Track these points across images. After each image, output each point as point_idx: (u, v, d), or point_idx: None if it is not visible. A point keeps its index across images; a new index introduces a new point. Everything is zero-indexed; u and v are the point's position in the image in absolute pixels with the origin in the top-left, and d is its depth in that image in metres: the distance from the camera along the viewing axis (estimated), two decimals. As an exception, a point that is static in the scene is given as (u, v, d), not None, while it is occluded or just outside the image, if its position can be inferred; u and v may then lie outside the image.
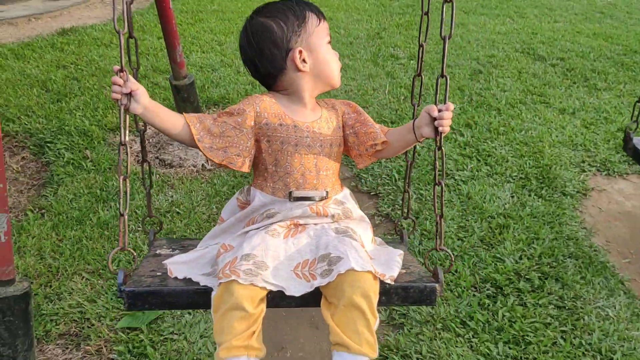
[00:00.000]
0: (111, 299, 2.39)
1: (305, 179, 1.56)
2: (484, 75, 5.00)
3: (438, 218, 1.50)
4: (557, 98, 4.55)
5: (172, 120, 1.54)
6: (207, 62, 5.15)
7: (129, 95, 1.44)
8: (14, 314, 1.81)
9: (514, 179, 3.41)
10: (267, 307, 1.38)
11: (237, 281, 1.30)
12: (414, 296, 1.50)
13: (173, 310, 2.34)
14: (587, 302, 2.46)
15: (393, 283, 1.44)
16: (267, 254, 1.42)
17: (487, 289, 2.51)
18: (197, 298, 1.45)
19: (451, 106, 1.47)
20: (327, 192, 1.58)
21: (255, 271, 1.35)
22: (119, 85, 1.42)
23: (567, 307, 2.42)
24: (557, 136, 3.93)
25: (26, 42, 5.55)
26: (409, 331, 2.28)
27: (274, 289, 1.36)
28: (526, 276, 2.59)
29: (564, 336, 2.27)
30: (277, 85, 1.61)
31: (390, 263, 1.51)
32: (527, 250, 2.77)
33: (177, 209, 3.04)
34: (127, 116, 1.45)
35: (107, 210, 3.00)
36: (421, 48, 1.70)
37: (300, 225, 1.54)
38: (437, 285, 1.49)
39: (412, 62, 5.30)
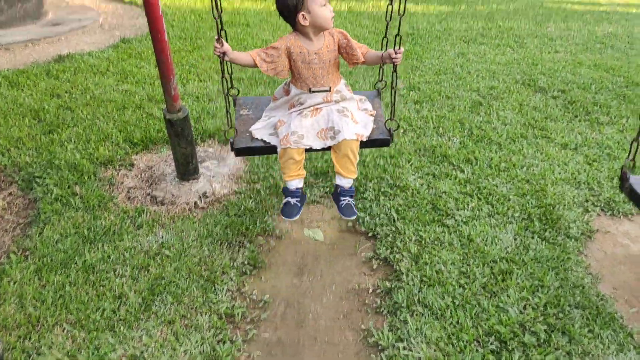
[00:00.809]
0: (92, 353, 2.27)
1: (316, 80, 2.72)
2: (484, 108, 4.92)
3: (392, 92, 2.67)
4: (558, 132, 4.46)
5: (246, 60, 2.65)
6: (203, 92, 5.06)
7: (224, 53, 2.54)
8: (-17, 380, 1.70)
9: (516, 220, 3.30)
10: (305, 152, 2.72)
11: (290, 147, 2.63)
12: (378, 144, 2.78)
13: None
14: (596, 358, 2.33)
15: (366, 139, 2.72)
16: (303, 129, 2.66)
17: (491, 344, 2.39)
18: (269, 149, 2.75)
19: (402, 50, 2.58)
20: (330, 87, 2.74)
21: (298, 140, 2.64)
22: (218, 48, 2.53)
23: (574, 365, 2.30)
24: (559, 173, 3.83)
25: (21, 69, 5.47)
26: (408, 391, 2.15)
27: (308, 147, 2.67)
28: (531, 329, 2.47)
29: (572, 398, 2.14)
30: (295, 27, 2.66)
31: (367, 125, 2.80)
32: (532, 299, 2.65)
33: (167, 251, 2.92)
34: (224, 61, 2.58)
35: (94, 252, 2.88)
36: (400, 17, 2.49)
37: (318, 109, 2.74)
38: (390, 138, 2.77)
39: (411, 92, 5.22)
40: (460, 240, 3.09)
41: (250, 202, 3.41)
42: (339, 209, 2.83)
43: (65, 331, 2.37)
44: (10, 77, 5.23)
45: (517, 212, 3.37)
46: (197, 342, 2.35)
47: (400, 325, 2.51)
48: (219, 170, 3.74)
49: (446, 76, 5.76)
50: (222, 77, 2.61)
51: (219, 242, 3.04)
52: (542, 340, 2.41)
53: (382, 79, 3.08)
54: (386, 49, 2.71)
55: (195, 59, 6.04)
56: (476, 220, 3.27)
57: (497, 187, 3.63)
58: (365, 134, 2.72)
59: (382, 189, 3.55)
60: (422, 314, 2.55)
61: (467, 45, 7.02)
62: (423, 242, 3.07)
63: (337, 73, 2.81)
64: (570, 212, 3.39)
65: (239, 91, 3.08)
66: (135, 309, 2.51)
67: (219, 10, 2.46)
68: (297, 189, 2.79)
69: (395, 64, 2.59)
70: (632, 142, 2.55)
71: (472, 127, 4.50)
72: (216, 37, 2.49)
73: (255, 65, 2.65)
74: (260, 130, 2.84)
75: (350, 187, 2.82)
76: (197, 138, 4.15)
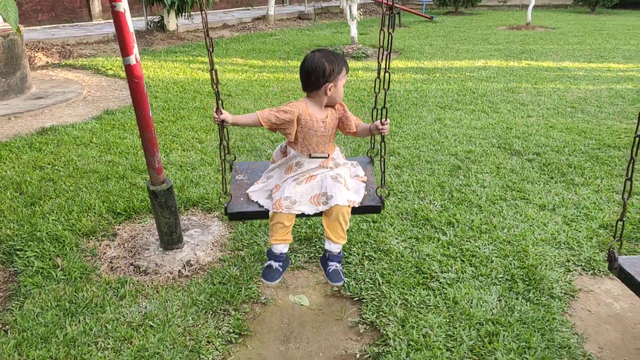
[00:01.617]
0: None
1: (318, 147, 2.85)
2: (463, 171, 5.04)
3: (381, 161, 2.85)
4: (536, 194, 4.58)
5: (250, 122, 2.78)
6: (187, 161, 5.13)
7: (222, 121, 2.73)
8: None
9: (500, 281, 3.33)
10: (296, 218, 2.79)
11: (281, 212, 2.71)
12: (369, 210, 2.89)
13: None
14: (587, 420, 2.31)
15: (358, 205, 2.82)
16: (296, 195, 2.74)
17: (481, 408, 2.36)
18: (262, 215, 2.82)
19: (388, 121, 2.81)
20: (328, 154, 2.88)
21: (290, 206, 2.72)
22: (216, 118, 2.72)
23: None
24: (539, 234, 3.90)
25: (3, 142, 5.51)
26: None
27: (299, 213, 2.74)
28: (520, 392, 2.45)
29: None
30: (311, 94, 2.83)
31: (359, 192, 2.92)
32: (519, 362, 2.64)
33: (151, 322, 2.88)
34: (222, 129, 2.79)
35: (75, 325, 2.83)
36: (390, 36, 2.61)
37: (313, 175, 2.84)
38: (380, 205, 2.87)
39: (392, 157, 5.34)
40: (445, 303, 3.10)
41: (235, 269, 3.40)
42: (326, 275, 2.87)
43: (44, 409, 2.29)
44: (-7, 150, 5.25)
45: (500, 273, 3.41)
46: (181, 416, 2.29)
47: (389, 391, 2.47)
48: (202, 239, 3.75)
49: (425, 141, 5.92)
50: (220, 144, 2.76)
51: (204, 310, 3.01)
52: (532, 404, 2.38)
53: (373, 146, 3.25)
54: (374, 120, 2.91)
55: (178, 129, 6.14)
56: (460, 283, 3.29)
57: (479, 248, 3.67)
58: (357, 201, 2.82)
59: (366, 253, 3.58)
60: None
61: (444, 111, 7.25)
62: (409, 305, 3.07)
63: (333, 141, 2.97)
64: (552, 272, 3.43)
65: (235, 157, 3.14)
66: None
67: (216, 82, 2.72)
68: (281, 253, 2.84)
69: (383, 134, 2.77)
70: (617, 222, 2.58)
71: (452, 190, 4.59)
72: (215, 107, 2.73)
73: (260, 124, 2.74)
74: (257, 193, 2.93)
75: (339, 253, 2.87)
76: (180, 207, 4.17)
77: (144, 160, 5.04)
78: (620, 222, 2.53)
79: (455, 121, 6.78)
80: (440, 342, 2.77)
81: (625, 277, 2.51)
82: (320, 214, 2.78)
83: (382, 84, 2.79)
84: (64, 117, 6.69)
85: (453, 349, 2.73)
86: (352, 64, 10.76)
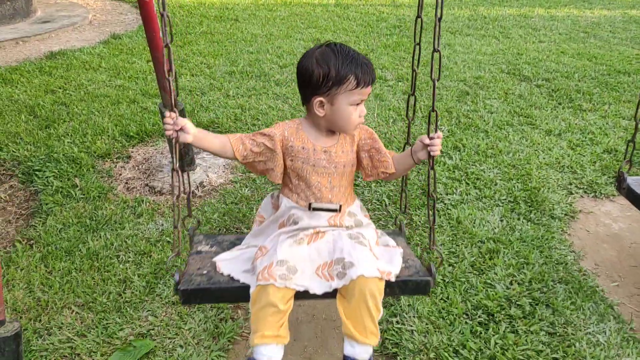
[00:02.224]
0: (101, 332, 2.37)
1: (321, 193, 1.95)
2: (471, 97, 5.06)
3: (431, 223, 1.93)
4: (543, 119, 4.61)
5: (217, 143, 1.88)
6: (196, 86, 5.16)
7: (180, 130, 1.77)
8: (4, 355, 1.80)
9: (503, 203, 3.43)
10: (295, 300, 1.76)
11: (274, 284, 1.70)
12: (412, 288, 1.90)
13: (165, 344, 2.33)
14: (578, 328, 2.47)
15: (395, 279, 1.82)
16: (296, 259, 1.79)
17: (479, 316, 2.52)
18: (239, 293, 1.82)
19: (440, 134, 1.89)
20: (340, 205, 1.97)
21: (288, 275, 1.73)
22: (171, 124, 1.76)
23: (558, 334, 2.44)
24: (544, 158, 3.97)
25: (14, 67, 5.54)
26: (402, 361, 2.28)
27: (301, 289, 1.75)
28: (517, 302, 2.60)
29: (556, 364, 2.28)
30: (306, 108, 1.96)
31: (393, 261, 1.93)
32: (518, 276, 2.78)
33: (168, 238, 3.03)
34: (178, 145, 1.79)
35: (97, 240, 2.98)
36: (414, 72, 2.08)
37: (321, 232, 1.92)
38: (430, 278, 1.89)
39: (400, 83, 5.35)
40: (449, 223, 3.22)
41: (246, 190, 3.52)
42: None
43: (74, 313, 2.47)
44: (4, 74, 5.29)
45: (503, 195, 3.51)
46: (200, 320, 2.46)
47: (393, 301, 2.63)
48: (214, 161, 3.85)
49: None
50: (173, 170, 1.82)
51: (217, 228, 3.15)
52: (527, 313, 2.54)
53: (405, 209, 2.33)
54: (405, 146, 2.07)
55: (186, 54, 6.12)
56: (464, 204, 3.40)
57: (484, 172, 3.76)
58: (393, 272, 1.85)
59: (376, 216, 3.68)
60: (409, 243, 2.68)
61: (454, 37, 7.15)
62: (414, 224, 3.20)
63: (352, 188, 2.07)
64: (554, 194, 3.53)
65: (199, 222, 2.31)
66: (139, 291, 2.62)
67: (171, 66, 1.81)
68: None
69: (433, 154, 1.89)
70: (628, 144, 2.65)
71: (460, 116, 4.63)
72: (168, 110, 1.79)
73: (233, 155, 1.89)
74: (229, 263, 1.95)
75: (370, 358, 1.81)
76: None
77: (153, 85, 5.08)
78: (631, 144, 2.60)
79: (465, 47, 6.70)
80: (443, 258, 2.91)
81: (633, 197, 2.61)
82: (334, 293, 1.79)
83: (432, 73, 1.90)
84: (71, 41, 6.67)
85: (455, 265, 2.87)
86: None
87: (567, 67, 5.93)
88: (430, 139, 1.88)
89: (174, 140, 1.77)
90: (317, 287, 1.77)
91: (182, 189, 2.04)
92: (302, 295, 1.76)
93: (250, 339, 1.74)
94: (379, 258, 1.90)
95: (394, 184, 3.57)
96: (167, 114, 1.76)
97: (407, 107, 2.10)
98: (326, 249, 1.87)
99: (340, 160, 1.95)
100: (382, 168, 2.00)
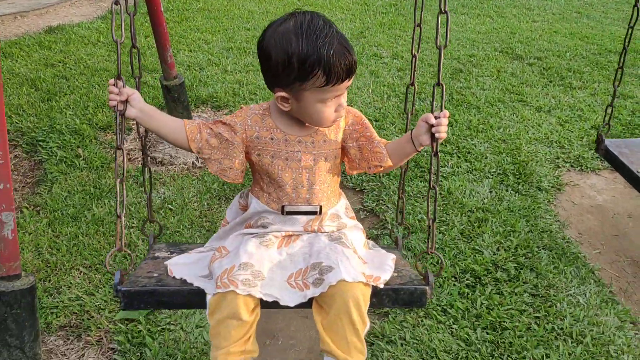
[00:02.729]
0: (109, 291, 2.50)
1: (297, 193, 1.60)
2: (464, 74, 5.16)
3: (430, 222, 1.58)
4: (534, 97, 4.73)
5: (169, 125, 1.60)
6: (194, 61, 5.24)
7: (125, 101, 1.52)
8: (20, 307, 1.92)
9: (493, 175, 3.56)
10: (262, 308, 1.48)
11: (235, 291, 1.39)
12: (405, 298, 1.57)
13: (169, 302, 2.45)
14: (560, 290, 2.62)
15: (384, 286, 1.52)
16: (263, 264, 1.49)
17: (467, 279, 2.66)
18: (192, 298, 1.54)
19: (447, 113, 1.54)
20: (320, 207, 1.62)
21: (253, 281, 1.43)
22: (115, 93, 1.50)
23: (540, 295, 2.59)
24: (533, 134, 4.10)
25: (13, 41, 5.58)
26: (394, 319, 2.42)
27: (270, 299, 1.44)
28: (503, 267, 2.74)
29: (538, 322, 2.43)
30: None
31: (384, 266, 1.58)
32: (504, 243, 2.92)
33: (170, 206, 3.14)
34: (124, 120, 1.53)
35: (102, 207, 3.10)
36: (414, 58, 1.79)
37: (293, 235, 1.62)
38: (427, 287, 1.56)
39: (394, 61, 5.44)
40: (440, 193, 3.35)
41: (245, 161, 3.62)
42: None
43: (82, 274, 2.60)
44: (3, 48, 5.34)
45: (493, 168, 3.64)
46: (203, 281, 2.60)
47: (386, 265, 2.77)
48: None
49: (428, 45, 5.96)
50: (116, 156, 1.60)
51: (217, 197, 3.27)
52: (512, 276, 2.69)
53: (401, 220, 2.07)
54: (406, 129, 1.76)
55: (184, 30, 6.18)
56: (455, 176, 3.53)
57: (475, 146, 3.88)
58: (382, 277, 1.53)
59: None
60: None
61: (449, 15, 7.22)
62: (406, 195, 3.32)
63: (336, 185, 1.72)
64: (542, 167, 3.66)
65: (161, 228, 1.98)
66: (144, 254, 2.74)
67: (132, 30, 1.71)
68: None
69: (438, 137, 1.53)
70: (606, 108, 2.79)
71: (453, 93, 4.74)
72: (113, 78, 1.55)
73: (187, 145, 1.58)
74: (183, 267, 1.62)
75: None
76: (190, 104, 4.34)
77: (152, 60, 5.15)
78: (609, 108, 2.73)
79: (459, 25, 6.79)
80: (444, 264, 3.04)
81: (609, 157, 2.76)
82: (309, 303, 1.48)
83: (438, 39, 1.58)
84: (69, 16, 6.70)
85: (445, 232, 3.00)
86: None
87: (559, 46, 6.04)
88: (436, 118, 1.52)
89: (117, 113, 1.51)
90: (289, 299, 1.46)
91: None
92: (269, 305, 1.47)
93: (212, 357, 1.44)
94: (366, 262, 1.60)
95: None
96: (112, 81, 1.51)
97: (406, 100, 1.87)
98: (301, 253, 1.56)
99: (320, 151, 1.60)
100: (374, 161, 1.63)
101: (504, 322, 2.40)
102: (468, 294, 2.56)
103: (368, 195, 3.35)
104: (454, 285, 2.62)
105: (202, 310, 2.42)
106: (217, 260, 1.54)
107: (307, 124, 1.59)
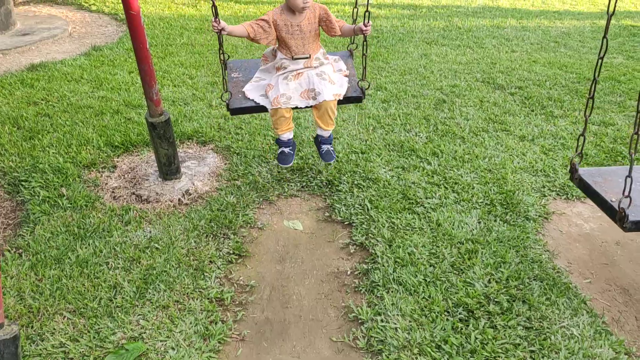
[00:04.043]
0: (94, 337, 2.42)
1: (298, 48, 3.25)
2: (447, 105, 5.21)
3: (363, 58, 3.35)
4: (517, 126, 4.78)
5: (240, 32, 3.13)
6: (179, 96, 5.23)
7: (221, 29, 3.00)
8: (3, 357, 1.85)
9: (480, 205, 3.57)
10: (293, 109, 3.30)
11: (280, 107, 3.23)
12: (352, 100, 3.44)
13: (157, 347, 2.39)
14: (553, 322, 2.60)
15: (342, 98, 3.33)
16: (289, 91, 3.23)
17: (460, 313, 2.63)
18: (260, 109, 3.31)
19: (370, 23, 3.14)
20: (310, 54, 3.27)
21: (287, 101, 3.23)
22: (215, 26, 2.97)
23: (534, 328, 2.56)
24: (518, 163, 4.13)
25: (-6, 79, 5.53)
26: (387, 357, 2.38)
27: (293, 106, 3.26)
28: (495, 299, 2.72)
29: (533, 356, 2.40)
30: None
31: (343, 85, 3.39)
32: (495, 274, 2.91)
33: (156, 245, 3.09)
34: (220, 36, 3.08)
35: (86, 247, 3.03)
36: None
37: (300, 73, 3.28)
38: (362, 96, 3.41)
39: (379, 92, 5.48)
40: (429, 225, 3.34)
41: (232, 197, 3.59)
42: (320, 155, 3.55)
43: (65, 319, 2.52)
44: (-15, 86, 5.29)
45: (480, 198, 3.64)
46: (191, 323, 2.53)
47: (378, 301, 2.74)
48: (199, 169, 3.92)
49: (411, 76, 6.04)
50: (220, 49, 3.12)
51: (205, 234, 3.22)
52: (505, 309, 2.66)
53: (353, 41, 3.61)
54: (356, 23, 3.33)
55: (168, 65, 6.18)
56: (443, 207, 3.52)
57: (461, 176, 3.90)
58: (341, 93, 3.33)
59: (356, 182, 3.79)
60: (397, 291, 2.78)
61: (430, 47, 7.33)
62: (395, 228, 3.31)
63: (317, 43, 3.35)
64: (528, 197, 3.68)
65: (229, 56, 3.36)
66: (130, 296, 2.68)
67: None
68: (289, 139, 3.45)
69: (365, 34, 3.18)
70: (578, 137, 2.81)
71: (437, 123, 4.78)
72: (213, 18, 2.93)
73: (249, 36, 3.14)
74: (252, 92, 3.36)
75: (330, 136, 3.52)
76: (176, 140, 4.31)
77: (136, 96, 5.13)
78: (581, 137, 2.76)
79: (441, 56, 6.88)
80: (424, 259, 3.03)
81: (583, 186, 2.77)
82: (310, 107, 3.30)
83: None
84: (52, 53, 6.68)
85: (435, 265, 2.98)
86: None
87: (538, 75, 6.14)
88: (365, 26, 3.15)
89: (218, 34, 3.04)
90: (302, 104, 3.25)
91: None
92: (294, 108, 3.28)
93: (275, 132, 3.51)
94: (335, 83, 3.32)
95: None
96: (213, 19, 2.93)
97: (355, 16, 3.29)
98: (304, 82, 3.26)
99: (307, 29, 3.21)
100: (332, 32, 3.29)
101: (499, 357, 2.37)
102: (462, 329, 2.53)
103: (357, 229, 3.33)
104: (447, 320, 2.59)
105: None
106: (269, 91, 3.28)
107: (300, 14, 3.19)
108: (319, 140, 3.55)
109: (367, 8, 3.08)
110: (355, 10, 3.31)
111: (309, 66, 3.31)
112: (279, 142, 3.47)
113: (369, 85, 3.46)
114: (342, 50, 3.94)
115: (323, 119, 3.36)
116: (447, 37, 7.87)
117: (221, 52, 3.14)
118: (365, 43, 3.29)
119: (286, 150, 3.47)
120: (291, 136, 3.47)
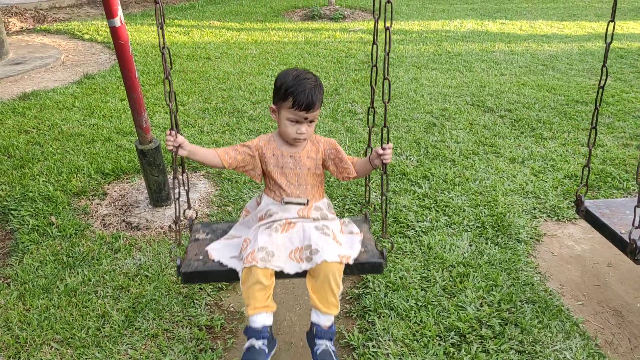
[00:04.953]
0: (82, 367, 2.39)
1: (291, 190, 2.37)
2: (438, 128, 5.25)
3: (384, 217, 2.32)
4: (507, 148, 4.81)
5: (208, 156, 2.33)
6: (170, 123, 5.23)
7: (179, 146, 2.19)
8: (-14, 389, 1.82)
9: (471, 228, 3.57)
10: (276, 279, 2.15)
11: (257, 266, 2.08)
12: (368, 269, 2.32)
13: (145, 376, 2.36)
14: (546, 345, 2.58)
15: (353, 262, 2.23)
16: (272, 245, 2.18)
17: (452, 338, 2.61)
18: (227, 275, 2.23)
19: (391, 145, 2.24)
20: (307, 200, 2.38)
21: (267, 258, 2.12)
22: (171, 141, 2.17)
23: (527, 352, 2.54)
24: (509, 185, 4.14)
25: (-14, 108, 5.55)
26: (379, 384, 2.35)
27: (278, 269, 2.15)
28: (487, 323, 2.70)
29: (526, 380, 2.38)
30: None
31: (354, 246, 2.33)
32: (487, 298, 2.90)
33: (146, 272, 3.06)
34: (176, 157, 2.21)
35: (74, 276, 3.01)
36: (372, 90, 2.45)
37: (292, 222, 2.31)
38: (382, 261, 2.30)
39: (369, 117, 5.52)
40: (420, 249, 3.33)
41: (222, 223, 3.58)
42: (313, 357, 2.20)
43: (53, 349, 2.49)
44: (-24, 115, 5.29)
45: (471, 221, 3.65)
46: (180, 352, 2.50)
47: (369, 326, 2.71)
48: (190, 196, 3.91)
49: (401, 100, 6.09)
50: (174, 177, 2.25)
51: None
52: (497, 332, 2.65)
53: (368, 200, 2.73)
54: (367, 152, 2.47)
55: (159, 92, 6.22)
56: (435, 230, 3.52)
57: (452, 199, 3.90)
58: (351, 256, 2.25)
59: (347, 206, 3.79)
60: (389, 316, 2.76)
61: (420, 71, 7.41)
62: (387, 251, 3.29)
63: (320, 188, 2.48)
64: (519, 219, 3.68)
65: (197, 214, 2.58)
66: (119, 325, 2.65)
67: (171, 96, 2.20)
68: (264, 327, 2.14)
69: (385, 162, 2.24)
70: (582, 169, 2.84)
71: (428, 146, 4.80)
72: (169, 129, 2.19)
73: (221, 165, 2.33)
74: (219, 251, 2.34)
75: (331, 327, 2.21)
76: (167, 166, 4.31)
77: (128, 123, 5.15)
78: (586, 169, 2.77)
79: (431, 80, 6.96)
80: (416, 282, 3.02)
81: (591, 219, 2.77)
82: (303, 274, 2.19)
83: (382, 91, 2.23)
84: (44, 82, 6.71)
85: (427, 289, 2.97)
86: (328, 25, 10.80)
87: (527, 98, 6.20)
88: (383, 149, 2.23)
89: (173, 154, 2.20)
90: (290, 268, 2.18)
91: (181, 194, 2.43)
92: (279, 275, 2.17)
93: (245, 312, 2.14)
94: (342, 244, 2.31)
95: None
96: (169, 132, 2.17)
97: (368, 116, 2.46)
98: (297, 237, 2.27)
99: (305, 163, 2.38)
100: (345, 173, 2.43)
101: (491, 382, 2.34)
102: (454, 354, 2.51)
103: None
104: (439, 344, 2.57)
105: None
106: (244, 249, 2.22)
107: (293, 145, 2.36)
108: (313, 332, 2.22)
109: (385, 122, 2.20)
110: (371, 117, 2.46)
111: (306, 216, 2.36)
112: (248, 331, 2.16)
113: (392, 246, 2.62)
114: (354, 216, 2.81)
115: (321, 295, 2.15)
116: (437, 61, 7.96)
117: (177, 181, 2.27)
118: (385, 177, 2.26)
119: (257, 344, 2.12)
120: (269, 322, 2.16)
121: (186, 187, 2.48)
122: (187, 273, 2.24)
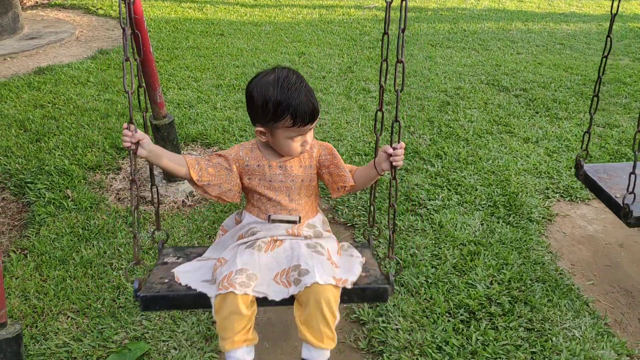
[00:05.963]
0: (97, 337, 2.45)
1: (281, 205, 2.01)
2: (451, 107, 5.22)
3: (390, 233, 1.91)
4: (521, 127, 4.78)
5: (174, 161, 1.93)
6: (184, 99, 5.26)
7: (137, 143, 1.79)
8: (6, 356, 1.87)
9: (483, 207, 3.57)
10: (257, 306, 1.79)
11: (234, 292, 1.71)
12: (370, 295, 1.91)
13: (159, 347, 2.41)
14: (555, 323, 2.60)
15: (352, 286, 1.84)
16: (255, 267, 1.81)
17: (461, 314, 2.63)
18: (197, 301, 1.84)
19: (403, 144, 1.86)
20: (299, 217, 2.02)
21: (247, 282, 1.75)
22: (129, 136, 1.77)
23: (536, 329, 2.56)
24: (522, 165, 4.12)
25: (2, 82, 5.59)
26: (388, 357, 2.38)
27: (260, 295, 1.77)
28: (497, 301, 2.72)
29: (534, 357, 2.40)
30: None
31: (353, 269, 1.92)
32: (497, 276, 2.91)
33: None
34: (136, 158, 1.81)
35: (90, 249, 3.06)
36: (381, 88, 1.96)
37: (279, 240, 1.96)
38: (388, 286, 1.89)
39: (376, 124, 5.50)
40: (432, 227, 3.34)
41: (235, 199, 3.61)
42: None
43: (69, 319, 2.55)
44: (-8, 89, 5.35)
45: (483, 200, 3.64)
46: (193, 323, 2.55)
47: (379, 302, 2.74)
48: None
49: (415, 78, 6.05)
50: (132, 182, 1.81)
51: (208, 235, 3.24)
52: (506, 310, 2.66)
53: (372, 222, 2.21)
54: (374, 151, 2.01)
55: (173, 68, 6.23)
56: (446, 209, 3.53)
57: (465, 178, 3.90)
58: (348, 280, 1.85)
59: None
60: (399, 292, 2.79)
61: (435, 49, 7.34)
62: (398, 229, 3.32)
63: (313, 203, 2.12)
64: (532, 199, 3.67)
65: (168, 236, 2.34)
66: (133, 297, 2.70)
67: (131, 82, 1.84)
68: None
69: (396, 166, 1.85)
70: (584, 134, 2.87)
71: (441, 125, 4.78)
72: (127, 122, 1.80)
73: (189, 175, 1.92)
74: (188, 274, 1.94)
75: None
76: (180, 142, 4.34)
77: (140, 99, 5.16)
78: (586, 134, 2.81)
79: (445, 59, 6.89)
80: (427, 260, 3.03)
81: (589, 182, 2.83)
82: (291, 300, 1.80)
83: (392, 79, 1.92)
84: (59, 57, 6.74)
85: (438, 266, 2.98)
86: (343, 2, 10.67)
87: (543, 77, 6.13)
88: (393, 149, 1.83)
89: (131, 153, 1.79)
90: (275, 294, 1.79)
91: (158, 200, 2.18)
92: (261, 302, 1.79)
93: (221, 346, 1.77)
94: (339, 266, 1.93)
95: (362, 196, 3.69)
96: (125, 126, 1.78)
97: (375, 121, 1.97)
98: (284, 256, 1.90)
99: (297, 174, 2.01)
100: (340, 182, 2.02)
101: (500, 358, 2.37)
102: (463, 330, 2.53)
103: (359, 230, 3.34)
104: (449, 321, 2.59)
105: (192, 353, 2.38)
106: (218, 269, 1.85)
107: (285, 154, 1.99)
108: None
109: (397, 115, 1.80)
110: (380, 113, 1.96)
111: (296, 234, 1.99)
112: None
113: (400, 268, 2.20)
114: (354, 242, 2.47)
115: (312, 324, 1.75)
116: (452, 39, 7.88)
117: (135, 186, 1.83)
118: (394, 182, 1.84)
119: None
120: (249, 358, 1.80)
121: (156, 204, 2.13)
122: (147, 297, 1.82)
